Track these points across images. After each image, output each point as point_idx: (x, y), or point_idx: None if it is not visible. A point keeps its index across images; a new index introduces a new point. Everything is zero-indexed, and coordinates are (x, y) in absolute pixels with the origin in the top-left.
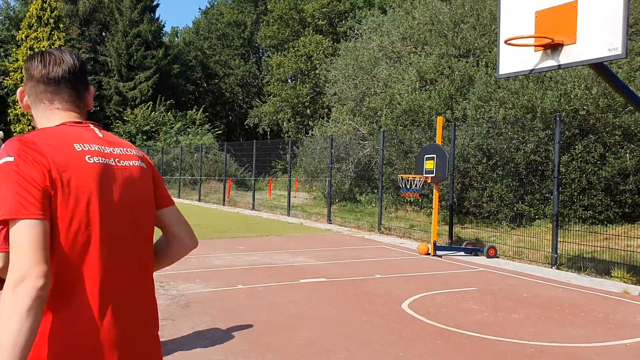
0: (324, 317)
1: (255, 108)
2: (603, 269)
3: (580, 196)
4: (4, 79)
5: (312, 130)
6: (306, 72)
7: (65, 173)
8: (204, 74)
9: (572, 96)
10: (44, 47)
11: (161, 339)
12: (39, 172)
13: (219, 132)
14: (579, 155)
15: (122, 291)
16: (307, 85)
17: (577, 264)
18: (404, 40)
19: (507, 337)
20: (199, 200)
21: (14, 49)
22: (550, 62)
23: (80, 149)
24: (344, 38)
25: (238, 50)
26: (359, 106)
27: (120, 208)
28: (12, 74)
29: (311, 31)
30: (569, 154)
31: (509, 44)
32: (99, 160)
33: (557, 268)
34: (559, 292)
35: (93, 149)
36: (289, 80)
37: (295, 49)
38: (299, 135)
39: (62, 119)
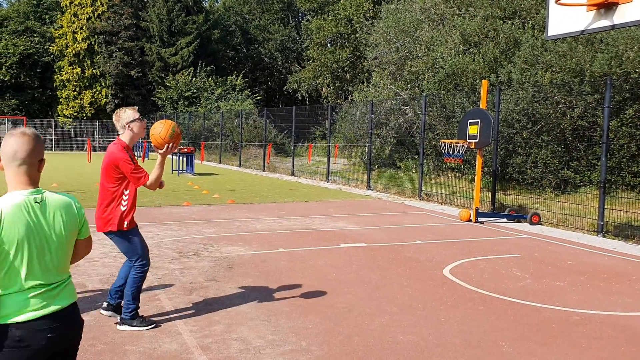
0: (364, 281)
1: (294, 73)
2: None
3: (630, 162)
4: (49, 45)
5: (352, 96)
6: (346, 36)
7: None
8: (243, 39)
9: (623, 59)
10: (87, 13)
11: (205, 298)
12: None
13: (259, 97)
14: (629, 121)
15: None
16: (347, 50)
17: (625, 232)
18: (447, 2)
19: (551, 304)
20: (240, 165)
21: (58, 16)
22: (604, 22)
23: None
24: (386, 0)
25: (277, 15)
26: (400, 70)
27: None
28: (58, 40)
29: None
30: (618, 119)
31: (560, 4)
32: None
33: (604, 236)
34: (605, 260)
35: None
36: (329, 45)
37: (335, 12)
38: (339, 101)
39: None
